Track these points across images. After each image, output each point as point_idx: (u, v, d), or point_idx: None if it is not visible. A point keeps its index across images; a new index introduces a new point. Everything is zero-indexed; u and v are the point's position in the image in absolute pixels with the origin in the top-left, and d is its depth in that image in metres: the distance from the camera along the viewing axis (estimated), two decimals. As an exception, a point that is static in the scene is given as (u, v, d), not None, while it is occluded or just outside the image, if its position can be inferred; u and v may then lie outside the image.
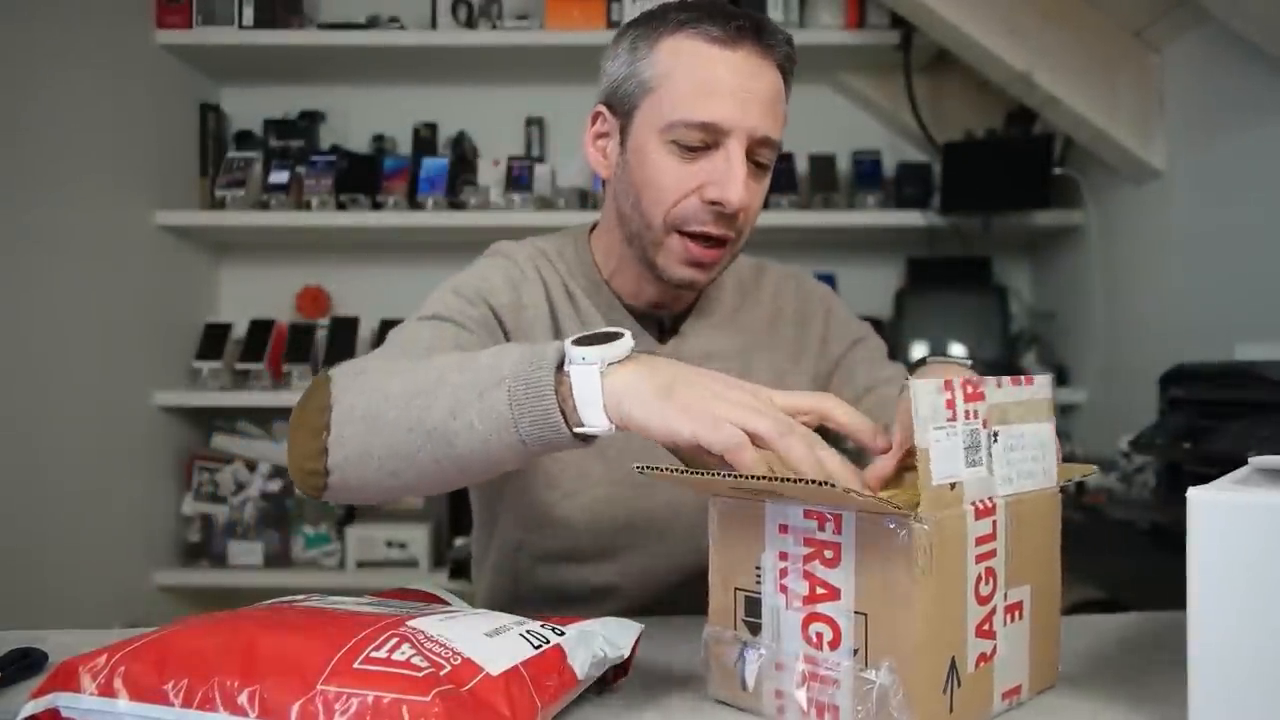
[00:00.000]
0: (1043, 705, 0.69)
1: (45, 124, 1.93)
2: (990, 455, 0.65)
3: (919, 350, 2.40)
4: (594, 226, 1.10)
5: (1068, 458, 1.98)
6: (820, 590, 0.64)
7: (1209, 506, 0.58)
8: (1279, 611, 0.56)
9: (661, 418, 0.67)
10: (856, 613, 0.62)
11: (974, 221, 2.33)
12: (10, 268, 1.85)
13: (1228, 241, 1.75)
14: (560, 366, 0.71)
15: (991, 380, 0.66)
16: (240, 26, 2.32)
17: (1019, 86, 2.07)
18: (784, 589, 0.65)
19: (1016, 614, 0.67)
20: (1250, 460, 0.66)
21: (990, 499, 0.65)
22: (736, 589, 0.68)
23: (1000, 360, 2.36)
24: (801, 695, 0.64)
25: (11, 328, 1.85)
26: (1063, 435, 2.30)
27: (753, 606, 0.67)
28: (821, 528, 0.64)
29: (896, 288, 2.50)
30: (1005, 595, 0.66)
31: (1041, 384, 0.70)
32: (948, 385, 0.62)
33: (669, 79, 0.94)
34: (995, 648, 0.66)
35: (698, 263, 0.97)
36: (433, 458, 0.74)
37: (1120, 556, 1.45)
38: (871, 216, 2.38)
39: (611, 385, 0.69)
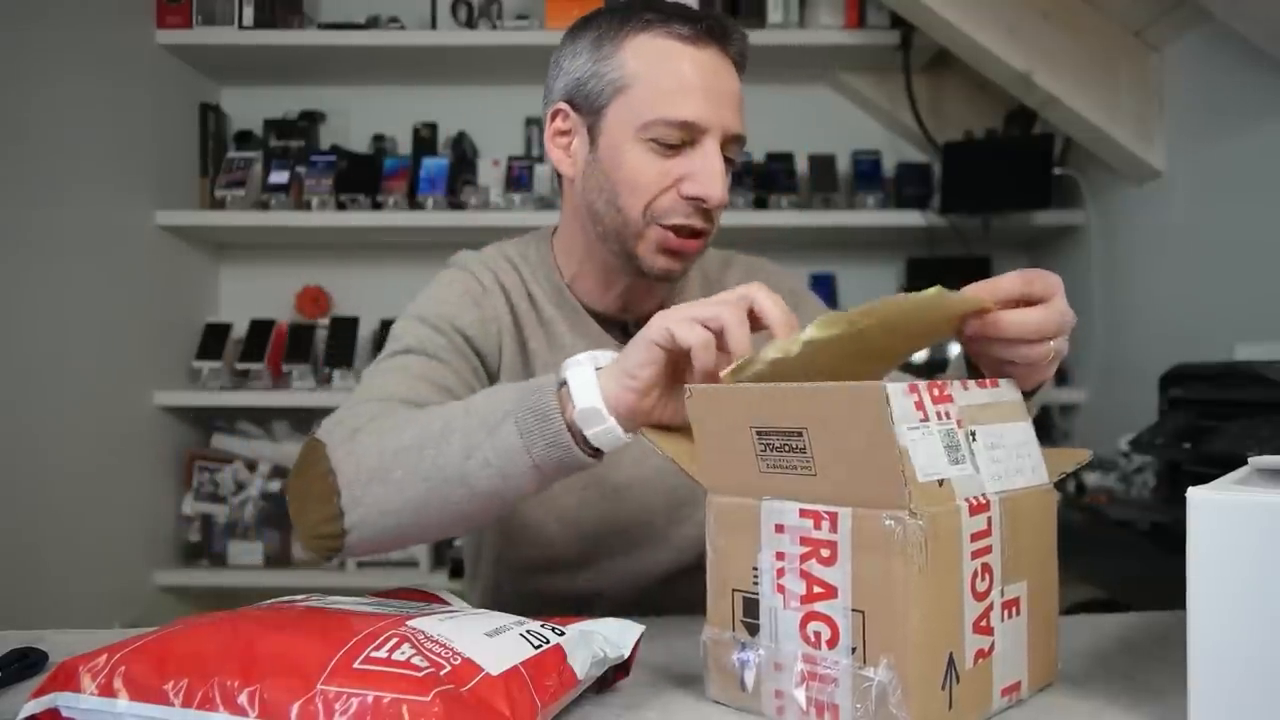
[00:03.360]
0: (1042, 704, 0.69)
1: (46, 124, 1.93)
2: (973, 453, 0.66)
3: (919, 351, 2.39)
4: (555, 229, 1.09)
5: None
6: (818, 589, 0.64)
7: (1209, 506, 0.58)
8: (1278, 611, 0.56)
9: (640, 349, 0.74)
10: (854, 610, 0.62)
11: (974, 221, 2.33)
12: (10, 268, 1.85)
13: (1228, 241, 1.75)
14: (560, 387, 0.76)
15: (957, 383, 0.67)
16: (240, 27, 2.32)
17: (1019, 86, 2.07)
18: (781, 589, 0.65)
19: (1014, 610, 0.68)
20: (1250, 460, 0.66)
21: (983, 495, 0.65)
22: (734, 590, 0.68)
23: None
24: (801, 694, 0.65)
25: (12, 328, 1.85)
26: (1063, 435, 2.32)
27: (750, 607, 0.67)
28: (818, 526, 0.64)
29: (896, 288, 2.50)
30: (1002, 592, 0.66)
31: (1007, 386, 0.72)
32: (913, 389, 0.63)
33: (641, 78, 0.94)
34: (993, 644, 0.66)
35: (676, 252, 0.97)
36: (452, 502, 0.78)
37: (1120, 556, 1.45)
38: (871, 216, 2.38)
39: (603, 381, 0.75)
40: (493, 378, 1.02)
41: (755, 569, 0.67)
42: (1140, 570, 1.38)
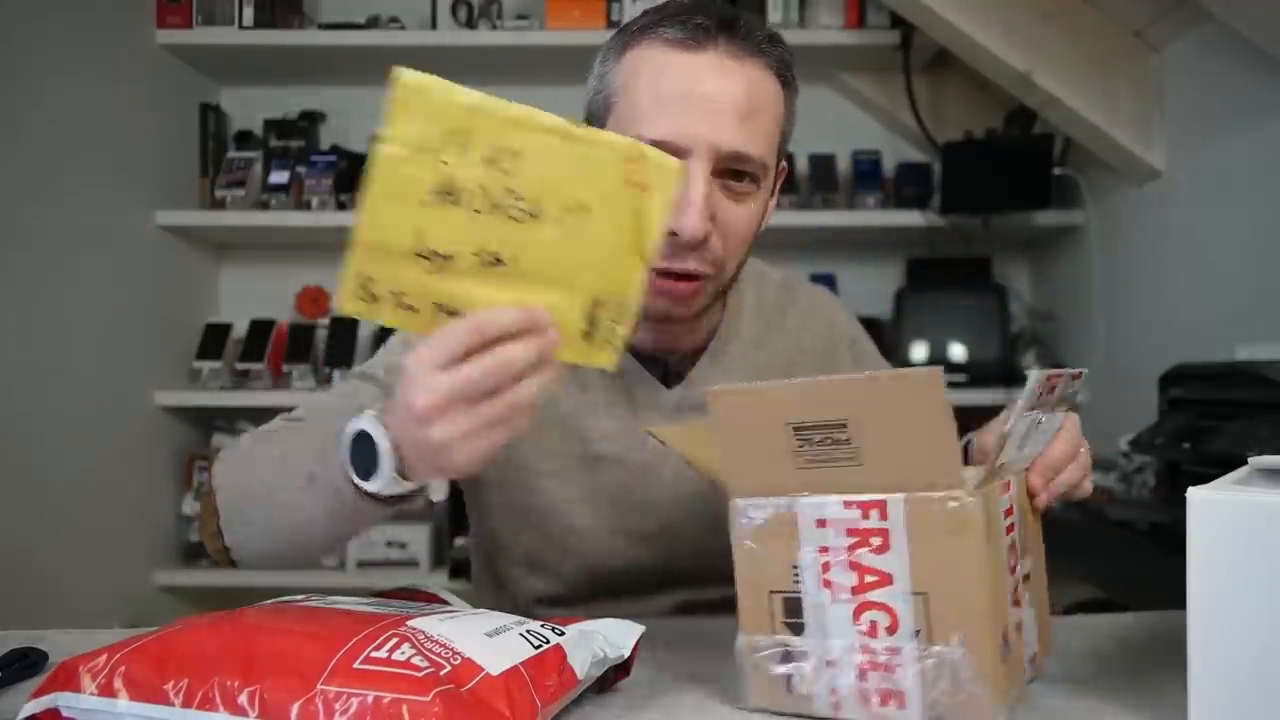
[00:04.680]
0: (1043, 704, 0.69)
1: (46, 124, 1.93)
2: (1031, 440, 0.69)
3: (919, 350, 2.40)
4: None
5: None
6: (870, 578, 0.63)
7: (1209, 506, 0.58)
8: (1278, 611, 0.56)
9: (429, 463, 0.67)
10: (915, 594, 0.62)
11: (974, 221, 2.33)
12: (10, 268, 1.85)
13: (1228, 241, 1.75)
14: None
15: (1070, 372, 0.70)
16: (240, 27, 2.32)
17: (1019, 86, 2.07)
18: (828, 583, 0.65)
19: (1028, 584, 0.71)
20: (1250, 460, 0.66)
21: (1007, 476, 0.68)
22: (771, 592, 0.67)
23: (1000, 360, 2.36)
24: (860, 687, 0.64)
25: (12, 327, 1.85)
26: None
27: (793, 607, 0.66)
28: (866, 516, 0.63)
29: (896, 288, 2.50)
30: (1022, 565, 0.70)
31: (1084, 378, 0.75)
32: (1052, 379, 0.66)
33: (625, 92, 0.84)
34: (1021, 617, 0.68)
35: (668, 294, 0.86)
36: (302, 544, 0.80)
37: (1120, 556, 1.45)
38: (871, 216, 2.38)
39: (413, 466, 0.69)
40: None
41: (795, 567, 0.66)
42: (1140, 570, 1.38)
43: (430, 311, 0.65)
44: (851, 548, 0.64)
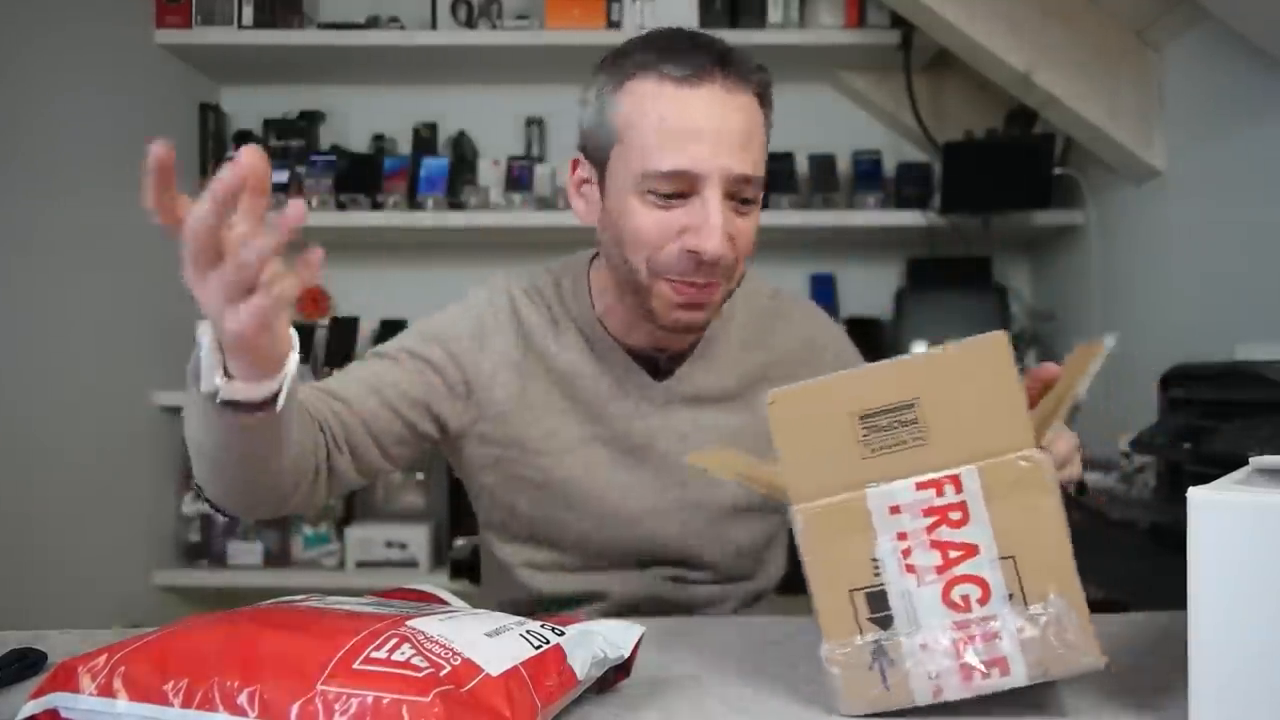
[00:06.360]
0: (1042, 703, 0.69)
1: (45, 124, 1.93)
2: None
3: (919, 351, 2.40)
4: (595, 255, 1.07)
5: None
6: (955, 553, 0.63)
7: (1209, 506, 0.58)
8: (1278, 611, 0.56)
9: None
10: (1003, 559, 0.63)
11: (974, 221, 2.33)
12: (10, 268, 1.85)
13: (1228, 241, 1.75)
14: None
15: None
16: (240, 26, 2.33)
17: (1019, 86, 2.07)
18: (911, 568, 0.64)
19: None
20: (1250, 460, 0.66)
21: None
22: (852, 591, 0.65)
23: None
24: (961, 664, 0.64)
25: (12, 327, 1.85)
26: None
27: (877, 601, 0.65)
28: (940, 493, 0.63)
29: (896, 288, 2.50)
30: None
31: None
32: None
33: (634, 127, 0.92)
34: None
35: (691, 304, 0.95)
36: (225, 474, 0.80)
37: (1120, 556, 1.44)
38: (871, 216, 2.38)
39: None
40: (483, 406, 1.03)
41: (875, 560, 0.64)
42: (1140, 570, 1.38)
43: None
44: (930, 528, 0.64)
